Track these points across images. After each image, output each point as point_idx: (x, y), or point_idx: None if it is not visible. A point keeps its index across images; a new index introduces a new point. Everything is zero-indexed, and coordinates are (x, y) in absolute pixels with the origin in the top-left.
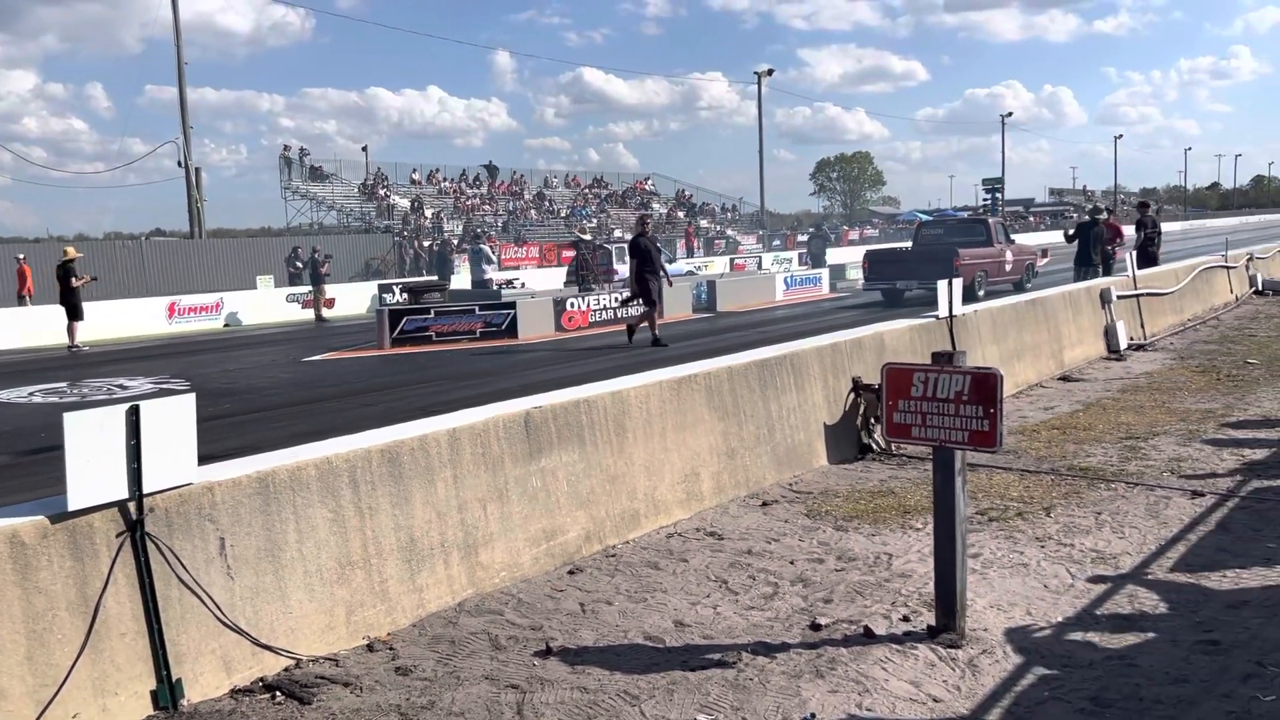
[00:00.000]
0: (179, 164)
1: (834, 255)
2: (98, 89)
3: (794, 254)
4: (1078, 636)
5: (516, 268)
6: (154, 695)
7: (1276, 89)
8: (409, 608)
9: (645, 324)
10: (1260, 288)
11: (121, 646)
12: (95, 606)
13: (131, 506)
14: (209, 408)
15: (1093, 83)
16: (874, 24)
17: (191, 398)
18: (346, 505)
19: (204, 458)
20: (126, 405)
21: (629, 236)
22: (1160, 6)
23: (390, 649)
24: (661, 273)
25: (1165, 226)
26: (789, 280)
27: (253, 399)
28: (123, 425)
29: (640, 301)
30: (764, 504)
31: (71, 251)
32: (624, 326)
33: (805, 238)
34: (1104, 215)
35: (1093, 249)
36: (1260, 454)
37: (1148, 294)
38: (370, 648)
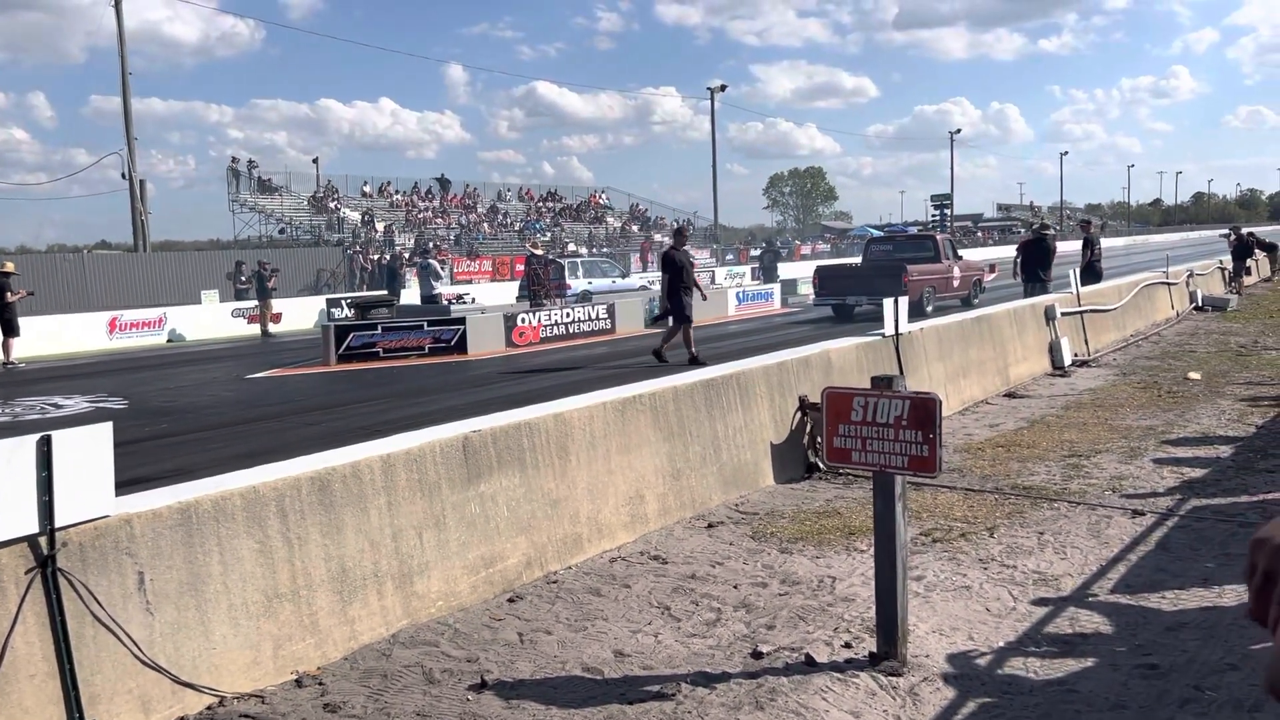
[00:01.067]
0: (123, 175)
1: (786, 270)
2: (40, 98)
3: (747, 268)
4: (1019, 662)
5: (469, 281)
6: None
7: (1214, 108)
8: (340, 640)
9: (680, 341)
10: (1200, 303)
11: (31, 689)
12: (2, 647)
13: (42, 541)
14: (146, 427)
15: (1038, 100)
16: (824, 41)
17: (108, 427)
18: (274, 536)
19: (137, 480)
20: (37, 436)
21: (583, 251)
22: (1102, 27)
23: (320, 684)
24: (695, 288)
25: (1110, 242)
26: (741, 295)
27: (192, 418)
28: (33, 456)
29: (671, 320)
30: (709, 525)
31: (8, 265)
32: (584, 341)
33: (758, 252)
34: (1051, 232)
35: (1039, 265)
36: (1199, 472)
37: (1091, 310)
38: (299, 683)
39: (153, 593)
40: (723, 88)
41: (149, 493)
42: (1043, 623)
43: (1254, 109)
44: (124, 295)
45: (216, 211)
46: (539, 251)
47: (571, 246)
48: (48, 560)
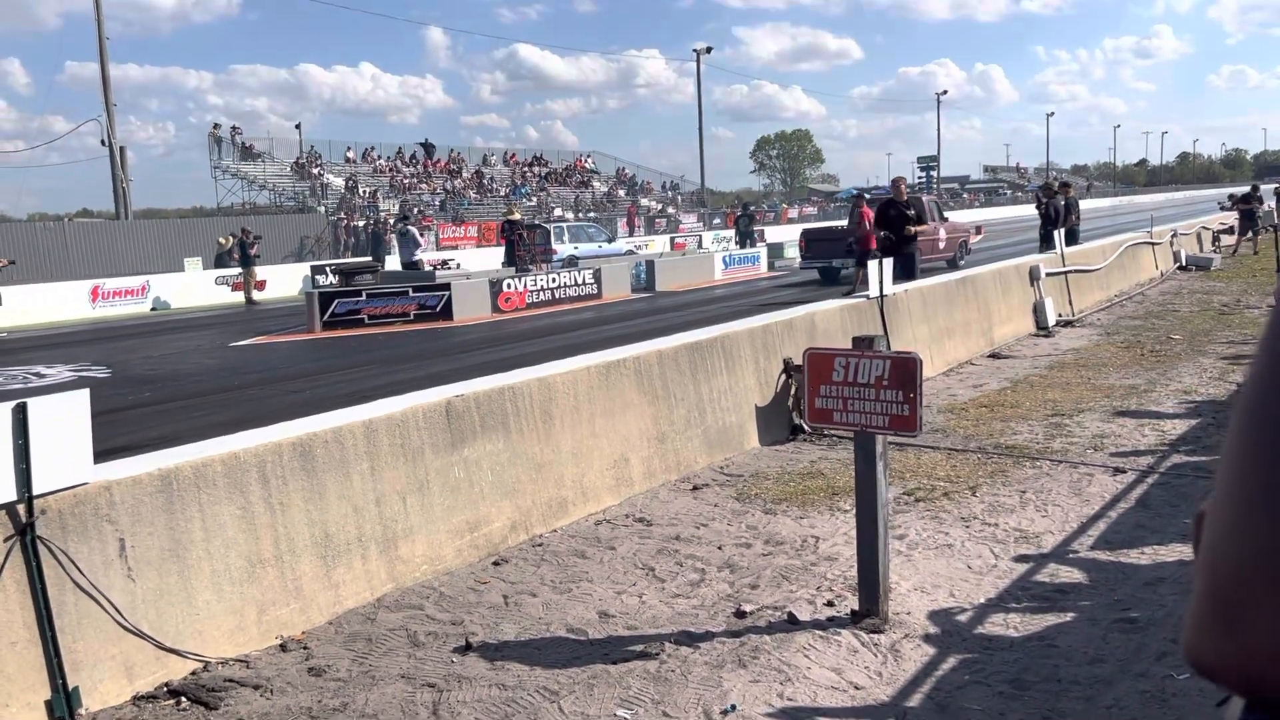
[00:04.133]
0: (103, 143)
1: (773, 233)
2: (14, 64)
3: (734, 232)
4: (1000, 618)
5: (454, 247)
6: (49, 705)
7: (1198, 68)
8: (325, 605)
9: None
10: (1184, 263)
11: (12, 656)
12: None
13: (20, 509)
14: (129, 396)
15: (1022, 61)
16: (808, 2)
17: (85, 394)
18: (256, 501)
19: (120, 449)
20: (13, 404)
21: (570, 216)
22: None
23: (304, 648)
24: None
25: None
26: (728, 260)
27: (175, 386)
28: (9, 424)
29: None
30: (694, 488)
31: None
32: (570, 306)
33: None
34: (1057, 194)
35: (1047, 225)
36: (1180, 430)
37: (1076, 271)
38: (283, 647)
39: (134, 559)
40: (708, 50)
41: (129, 460)
42: (1023, 579)
43: (1237, 68)
44: (106, 264)
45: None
46: (516, 217)
47: (558, 211)
48: (26, 528)
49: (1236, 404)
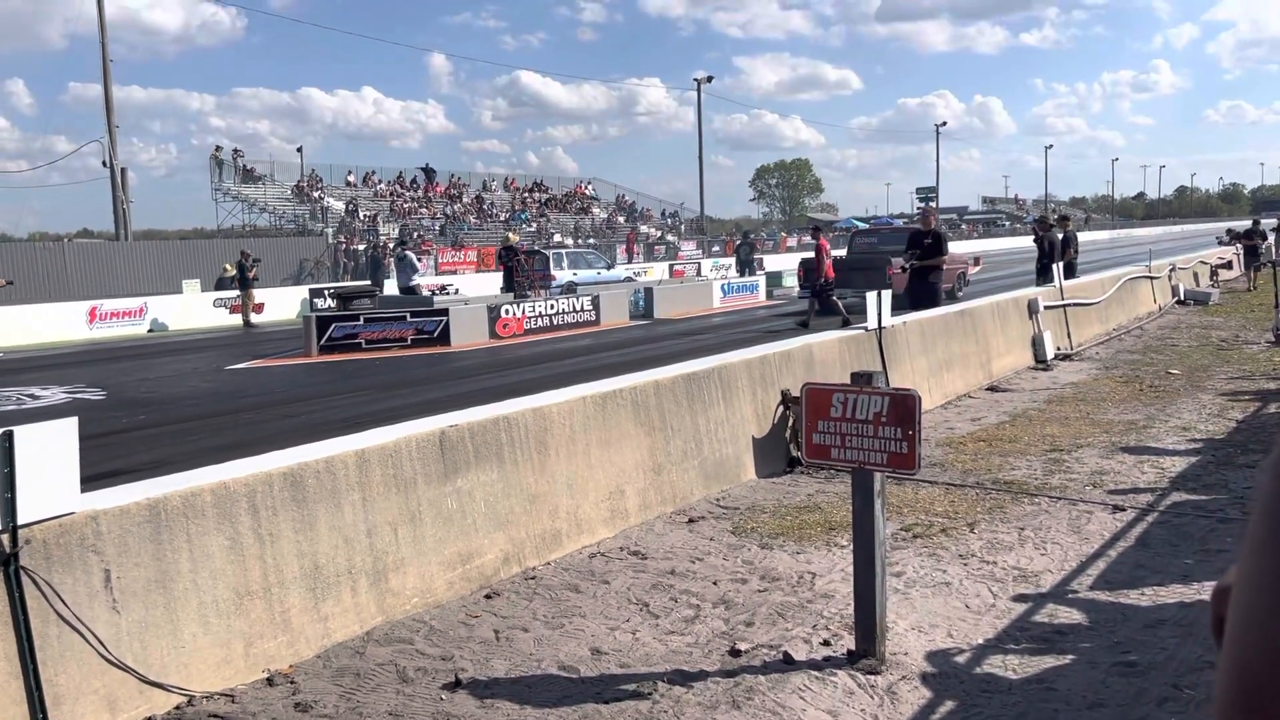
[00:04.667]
0: (104, 164)
1: (771, 262)
2: (19, 85)
3: (734, 260)
4: (998, 659)
5: (454, 272)
6: None
7: (1195, 103)
8: (313, 638)
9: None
10: (1182, 297)
11: None
12: None
13: (4, 539)
14: (123, 419)
15: (1021, 94)
16: (807, 33)
17: (73, 422)
18: (245, 532)
19: (112, 473)
20: None
21: (569, 243)
22: (1082, 21)
23: (291, 682)
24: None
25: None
26: (726, 288)
27: (170, 410)
28: None
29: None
30: (690, 520)
31: None
32: (568, 333)
33: (739, 243)
34: (1054, 225)
35: (1045, 259)
36: (1179, 467)
37: (1074, 304)
38: (270, 681)
39: (119, 590)
40: (709, 79)
41: (117, 489)
42: (1022, 620)
43: (1234, 104)
44: (105, 284)
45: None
46: (514, 240)
47: (557, 237)
48: (10, 558)
49: (1262, 488)
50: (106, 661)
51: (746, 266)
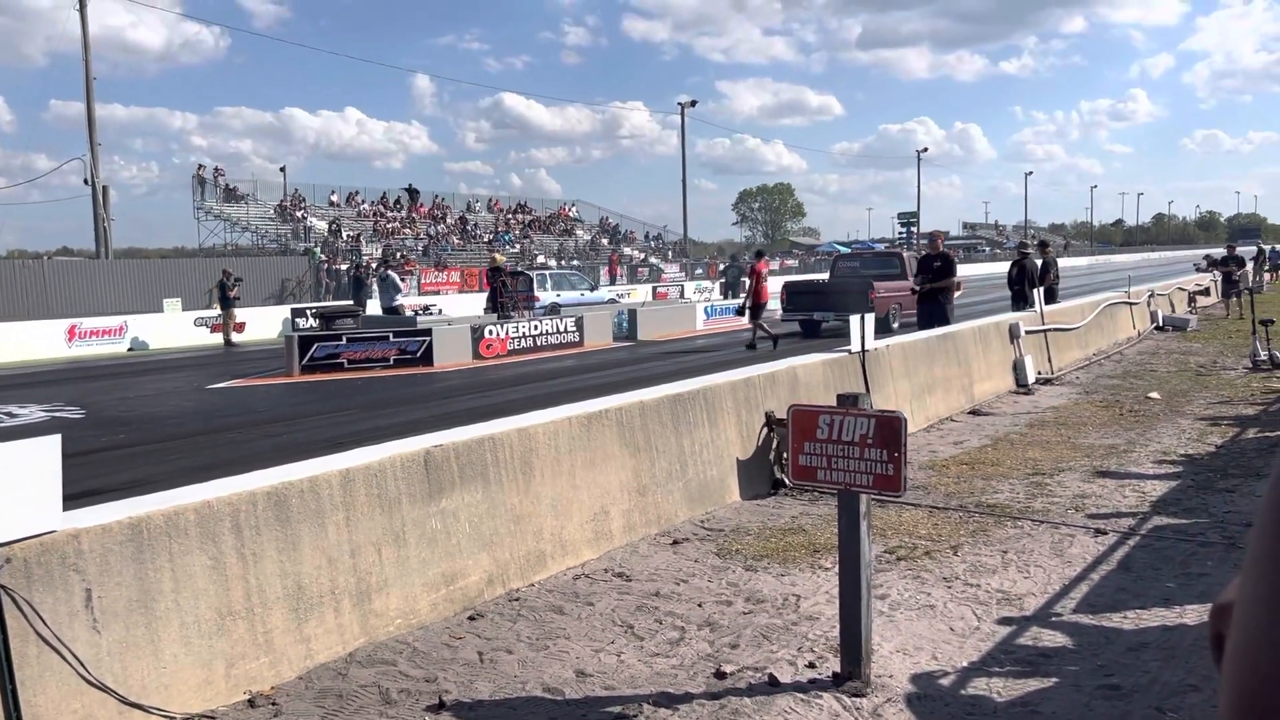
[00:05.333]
0: (85, 181)
1: None
2: None
3: (717, 283)
4: (982, 682)
5: (437, 292)
6: None
7: (1172, 132)
8: (295, 659)
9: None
10: (1161, 323)
11: None
12: None
13: None
14: (103, 437)
15: (1000, 121)
16: (789, 59)
17: (57, 439)
18: (228, 552)
19: (92, 492)
20: None
21: (552, 264)
22: (1061, 50)
23: (273, 704)
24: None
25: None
26: (709, 310)
27: (150, 428)
28: None
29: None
30: (675, 542)
31: None
32: (552, 354)
33: (723, 267)
34: (1030, 251)
35: (1026, 285)
36: (1160, 491)
37: (1055, 329)
38: (251, 703)
39: (100, 610)
40: (693, 103)
41: (99, 507)
42: (1006, 642)
43: (1210, 133)
44: (85, 303)
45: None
46: (501, 261)
47: (541, 259)
48: None
49: (1265, 505)
50: (86, 682)
51: (732, 289)
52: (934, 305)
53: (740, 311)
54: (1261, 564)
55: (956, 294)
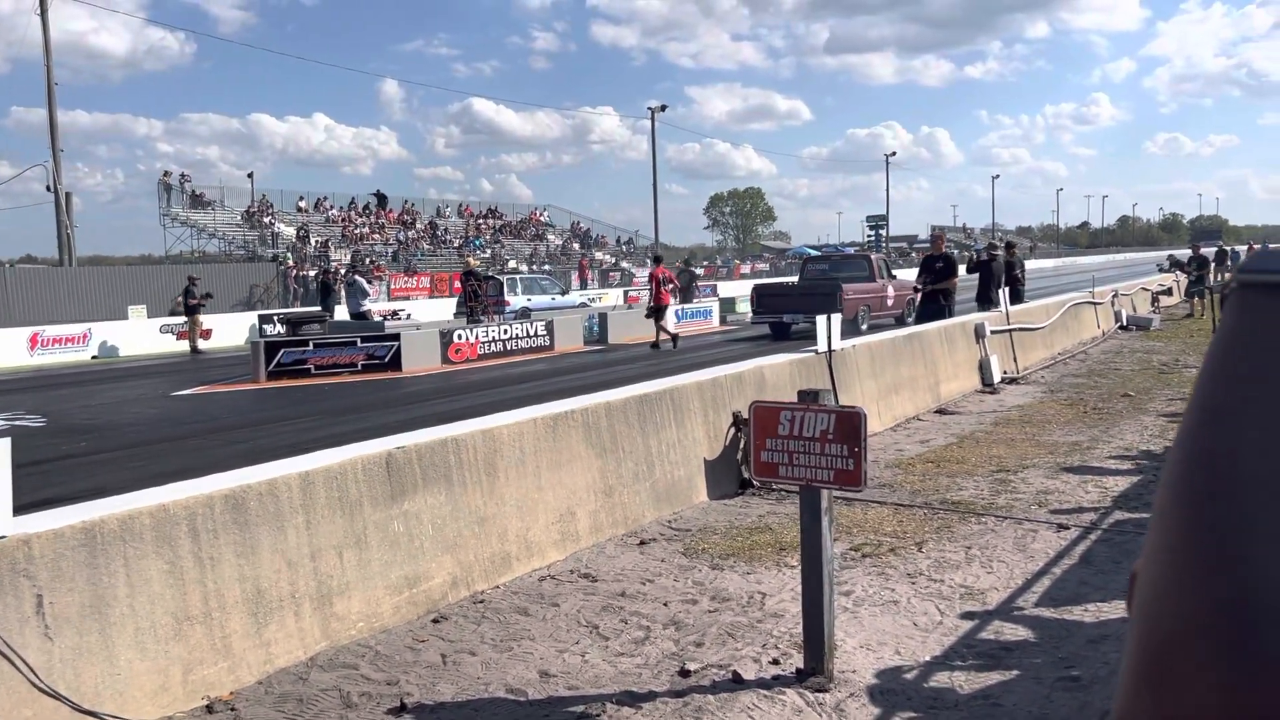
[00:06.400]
0: (48, 188)
1: (725, 289)
2: None
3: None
4: (945, 676)
5: (406, 298)
6: None
7: (1135, 135)
8: (255, 664)
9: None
10: (1124, 323)
11: None
12: None
13: None
14: (63, 446)
15: (967, 125)
16: (758, 64)
17: (6, 442)
18: (185, 556)
19: (49, 500)
20: None
21: (523, 269)
22: (1024, 55)
23: (232, 709)
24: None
25: (1040, 264)
26: (680, 314)
27: (112, 436)
28: None
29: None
30: (642, 543)
31: None
32: (522, 358)
33: (676, 271)
34: (1000, 252)
35: (992, 287)
36: (1122, 486)
37: (1020, 329)
38: (210, 709)
39: (52, 616)
40: (663, 108)
41: (51, 512)
42: (969, 636)
43: (1171, 136)
44: (49, 311)
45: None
46: (474, 267)
47: (512, 264)
48: None
49: (1164, 474)
50: (37, 690)
51: (686, 294)
52: (935, 305)
53: (647, 314)
54: (1162, 519)
55: None
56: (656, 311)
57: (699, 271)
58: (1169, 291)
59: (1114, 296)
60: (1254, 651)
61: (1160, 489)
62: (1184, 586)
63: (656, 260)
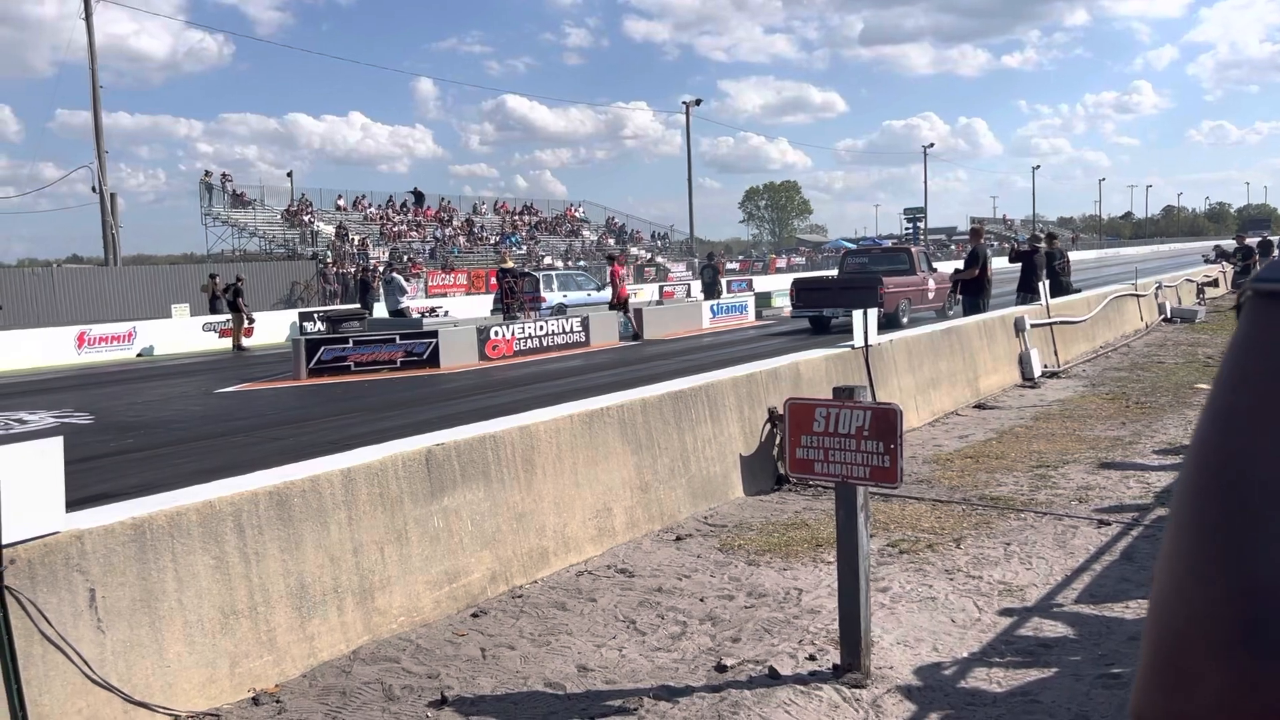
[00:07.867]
0: (93, 189)
1: (761, 283)
2: (5, 112)
3: (723, 281)
4: (983, 673)
5: (444, 295)
6: None
7: (1179, 123)
8: (299, 657)
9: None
10: (1169, 315)
11: None
12: None
13: None
14: (111, 442)
15: (1005, 115)
16: (792, 57)
17: (59, 441)
18: (231, 551)
19: (98, 496)
20: None
21: (559, 265)
22: (1064, 43)
23: (277, 701)
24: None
25: (1082, 255)
26: (715, 308)
27: (158, 433)
28: None
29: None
30: (678, 538)
31: None
32: (558, 354)
33: (699, 266)
34: (1041, 244)
35: (1035, 276)
36: (1164, 482)
37: (1061, 322)
38: (255, 701)
39: (104, 610)
40: (697, 102)
41: (102, 508)
42: (1007, 633)
43: (1217, 124)
44: (94, 309)
45: (188, 225)
46: (510, 264)
47: (548, 260)
48: None
49: (1182, 471)
50: (91, 681)
51: (711, 289)
52: (970, 297)
53: (613, 306)
54: (1177, 518)
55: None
56: (622, 305)
57: (734, 266)
58: (1215, 283)
59: (1157, 288)
60: (1264, 649)
61: (1175, 492)
62: (1195, 586)
63: (610, 259)
